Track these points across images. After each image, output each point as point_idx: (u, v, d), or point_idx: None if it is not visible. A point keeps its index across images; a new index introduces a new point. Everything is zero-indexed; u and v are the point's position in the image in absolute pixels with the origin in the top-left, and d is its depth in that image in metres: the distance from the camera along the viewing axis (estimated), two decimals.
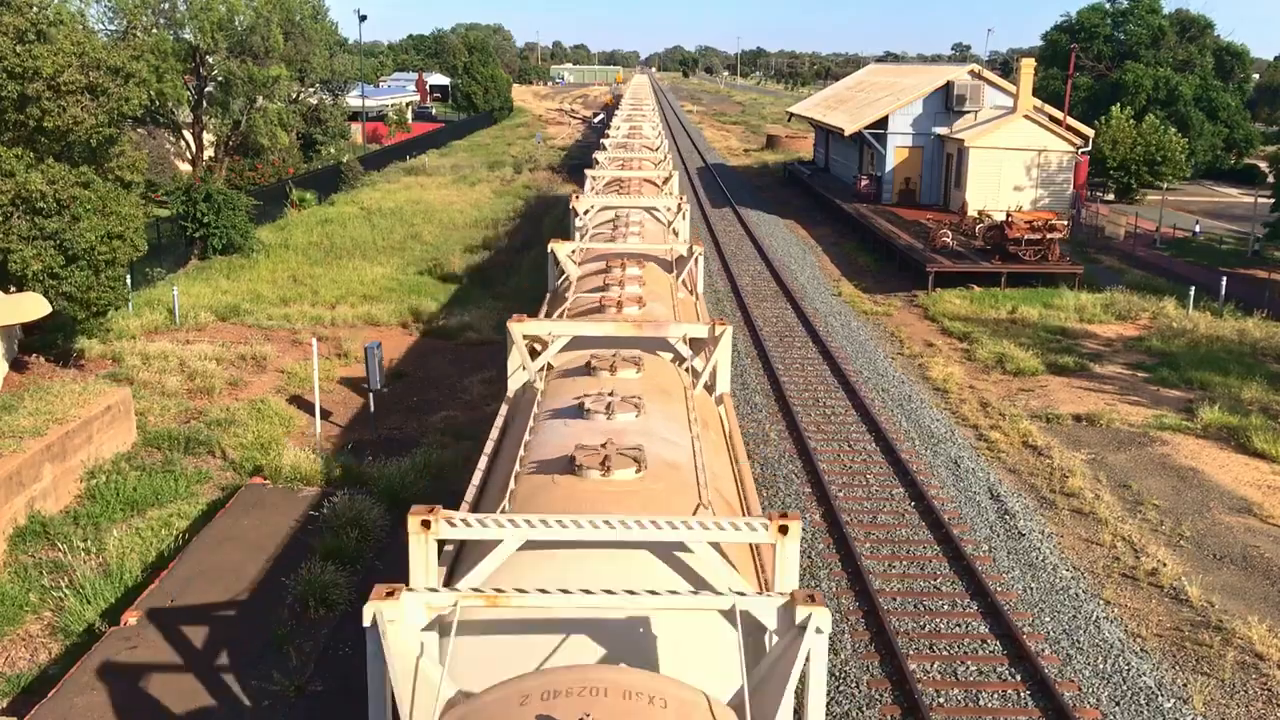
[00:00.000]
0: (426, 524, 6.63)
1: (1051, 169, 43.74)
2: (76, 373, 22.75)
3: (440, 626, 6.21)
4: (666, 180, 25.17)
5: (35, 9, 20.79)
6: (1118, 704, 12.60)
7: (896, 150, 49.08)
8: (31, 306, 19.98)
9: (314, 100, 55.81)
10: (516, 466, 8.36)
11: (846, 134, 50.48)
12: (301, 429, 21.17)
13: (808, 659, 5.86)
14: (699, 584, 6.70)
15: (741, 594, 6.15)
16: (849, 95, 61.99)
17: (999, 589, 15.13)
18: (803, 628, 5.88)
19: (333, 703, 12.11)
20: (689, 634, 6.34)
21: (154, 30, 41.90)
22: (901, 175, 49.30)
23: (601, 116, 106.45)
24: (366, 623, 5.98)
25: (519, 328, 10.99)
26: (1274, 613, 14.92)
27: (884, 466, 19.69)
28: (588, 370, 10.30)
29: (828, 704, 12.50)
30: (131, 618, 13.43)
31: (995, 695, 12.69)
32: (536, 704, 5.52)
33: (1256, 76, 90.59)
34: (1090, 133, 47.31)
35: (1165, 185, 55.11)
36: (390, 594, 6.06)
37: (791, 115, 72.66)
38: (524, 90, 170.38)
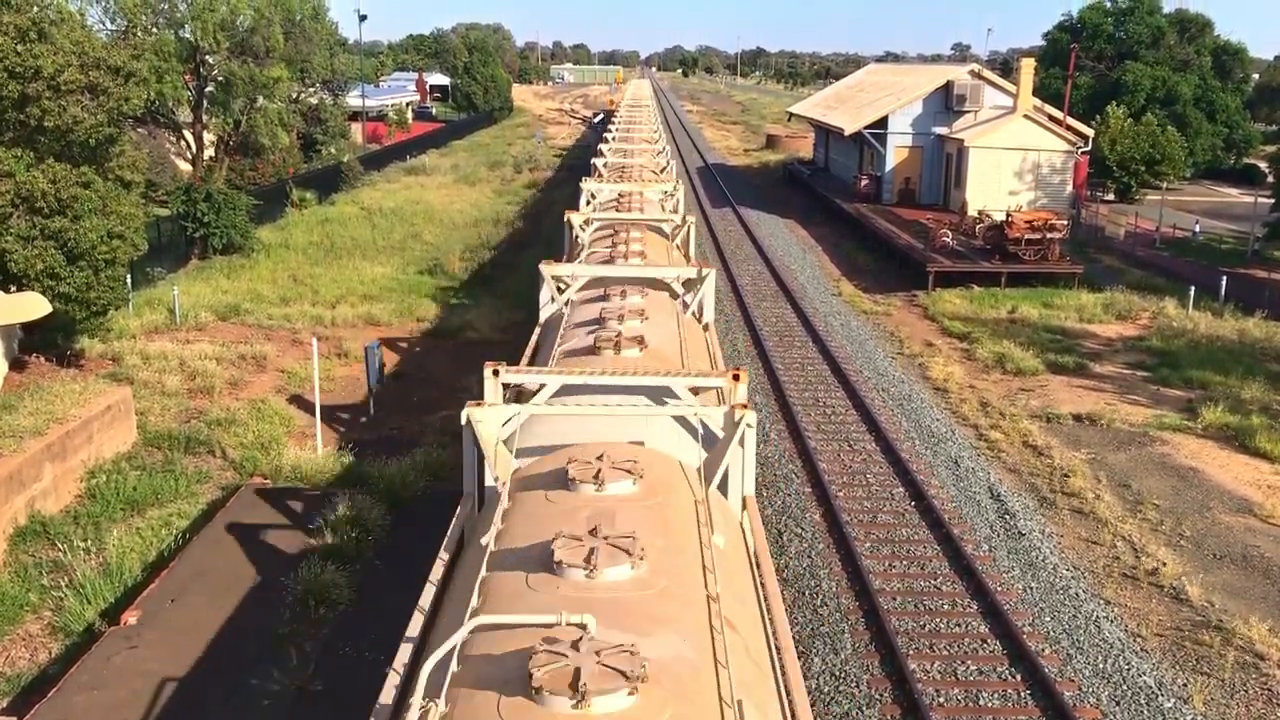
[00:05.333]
0: None
1: (1051, 169, 43.73)
2: (76, 372, 22.73)
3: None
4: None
5: (36, 8, 20.78)
6: (1118, 703, 12.60)
7: (896, 150, 49.07)
8: (32, 306, 19.97)
9: (314, 100, 55.72)
10: (452, 664, 5.57)
11: (846, 134, 50.48)
12: (302, 428, 21.17)
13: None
14: None
15: None
16: (849, 95, 61.99)
17: (999, 588, 15.13)
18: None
19: (333, 702, 12.10)
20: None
21: (154, 30, 41.87)
22: (901, 175, 49.29)
23: (601, 117, 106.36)
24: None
25: (479, 413, 8.58)
26: (1274, 612, 14.91)
27: (884, 466, 19.68)
28: (566, 482, 7.74)
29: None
30: (131, 617, 13.42)
31: (995, 694, 12.69)
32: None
33: (1256, 76, 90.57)
34: (1090, 132, 47.30)
35: (1165, 185, 55.10)
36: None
37: (791, 115, 72.66)
38: (524, 90, 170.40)
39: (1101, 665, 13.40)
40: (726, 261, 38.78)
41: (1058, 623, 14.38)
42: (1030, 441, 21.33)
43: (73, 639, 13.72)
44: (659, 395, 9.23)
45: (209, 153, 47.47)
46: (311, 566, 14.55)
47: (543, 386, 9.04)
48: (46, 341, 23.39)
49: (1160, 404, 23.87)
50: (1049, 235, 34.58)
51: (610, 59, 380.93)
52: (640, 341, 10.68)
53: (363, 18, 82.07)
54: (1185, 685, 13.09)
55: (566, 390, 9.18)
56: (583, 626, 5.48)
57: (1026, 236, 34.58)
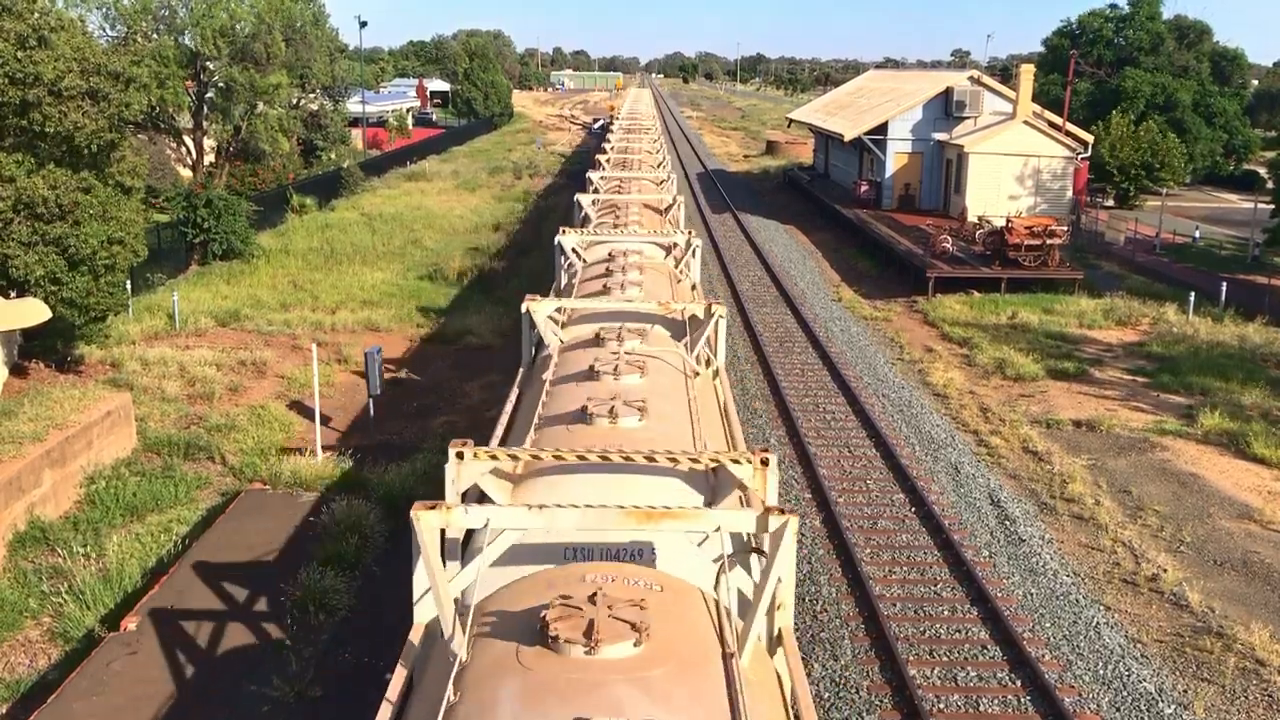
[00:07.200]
0: None
1: (1051, 174, 43.78)
2: (76, 378, 22.75)
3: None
4: None
5: (36, 14, 20.82)
6: (1118, 709, 12.58)
7: (896, 155, 49.13)
8: (33, 312, 19.97)
9: (315, 106, 55.89)
10: None
11: (846, 139, 50.56)
12: (301, 434, 21.17)
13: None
14: None
15: None
16: (849, 101, 62.08)
17: (999, 594, 15.11)
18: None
19: (332, 708, 12.09)
20: None
21: (154, 36, 41.97)
22: (901, 180, 49.35)
23: (601, 122, 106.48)
24: None
25: (436, 517, 6.47)
26: (1275, 618, 14.89)
27: (884, 472, 19.67)
28: (544, 637, 5.81)
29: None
30: (131, 623, 13.42)
31: (996, 700, 12.67)
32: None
33: (1255, 82, 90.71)
34: (1090, 138, 47.40)
35: (1164, 191, 55.17)
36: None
37: (791, 121, 72.77)
38: (524, 96, 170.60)
39: (1102, 671, 13.38)
40: (726, 267, 38.81)
41: (1058, 628, 14.36)
42: (1030, 447, 21.33)
43: (72, 645, 13.70)
44: (664, 491, 7.46)
45: (209, 158, 47.57)
46: (311, 572, 14.55)
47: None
48: (46, 347, 23.40)
49: (1160, 410, 23.87)
50: (1049, 241, 34.62)
51: (610, 65, 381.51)
52: (641, 407, 8.90)
53: (363, 24, 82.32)
54: (1186, 691, 13.07)
55: (548, 473, 7.55)
56: None
57: (1026, 242, 34.62)
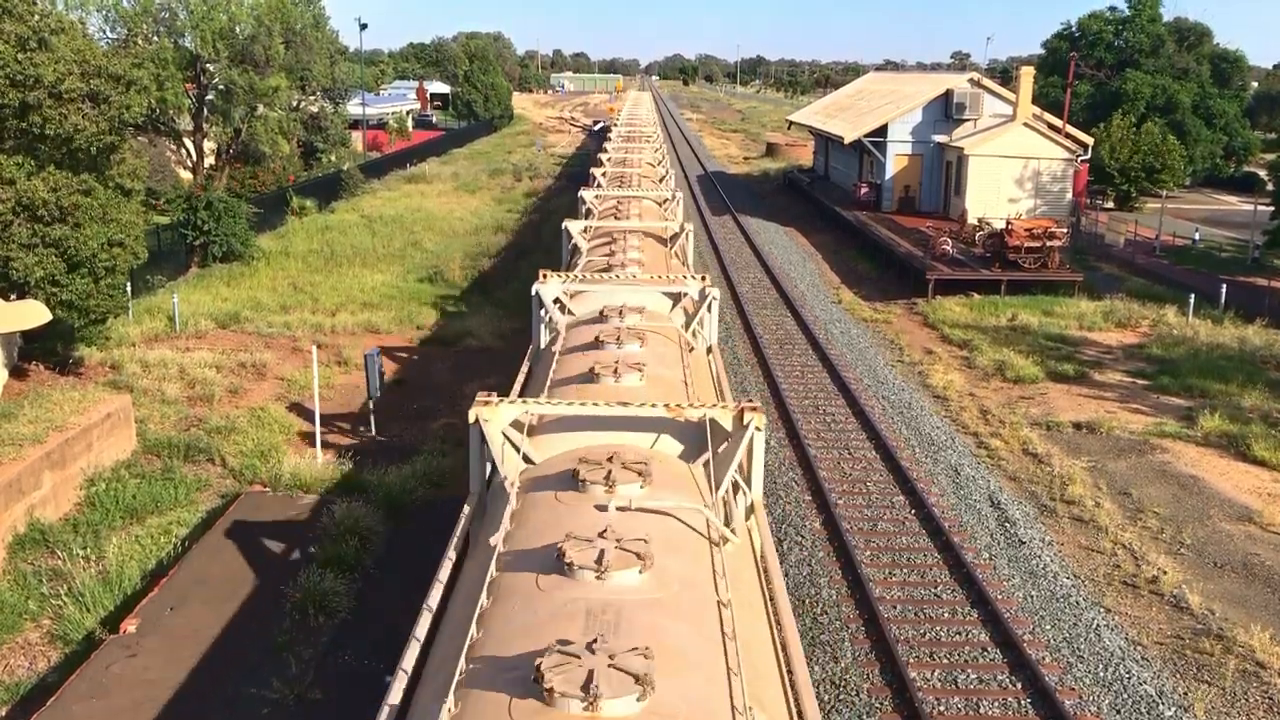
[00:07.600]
0: None
1: (1051, 176, 43.80)
2: (76, 380, 22.74)
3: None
4: None
5: (37, 17, 20.83)
6: (1119, 711, 12.58)
7: (896, 158, 49.15)
8: (33, 314, 19.97)
9: (315, 108, 55.87)
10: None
11: (846, 141, 50.59)
12: (301, 436, 21.16)
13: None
14: None
15: None
16: (849, 103, 62.12)
17: (999, 596, 15.11)
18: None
19: (332, 710, 12.09)
20: None
21: (154, 39, 41.99)
22: (901, 183, 49.37)
23: (601, 124, 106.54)
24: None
25: None
26: (1275, 621, 14.89)
27: (884, 474, 19.67)
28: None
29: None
30: (131, 625, 13.42)
31: (996, 703, 12.66)
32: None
33: (1255, 84, 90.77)
34: (1089, 140, 47.44)
35: (1164, 193, 55.19)
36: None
37: (791, 123, 72.80)
38: (524, 98, 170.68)
39: (1102, 673, 13.38)
40: (726, 269, 38.82)
41: (1058, 631, 14.36)
42: (1030, 449, 21.32)
43: (72, 647, 13.70)
44: None
45: (209, 161, 47.54)
46: (310, 575, 14.54)
47: None
48: (46, 349, 23.38)
49: (1160, 412, 23.86)
50: (1049, 243, 34.64)
51: (610, 67, 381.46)
52: (640, 674, 5.20)
53: (363, 26, 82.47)
54: (1186, 694, 13.06)
55: None
56: None
57: (1026, 244, 34.64)
